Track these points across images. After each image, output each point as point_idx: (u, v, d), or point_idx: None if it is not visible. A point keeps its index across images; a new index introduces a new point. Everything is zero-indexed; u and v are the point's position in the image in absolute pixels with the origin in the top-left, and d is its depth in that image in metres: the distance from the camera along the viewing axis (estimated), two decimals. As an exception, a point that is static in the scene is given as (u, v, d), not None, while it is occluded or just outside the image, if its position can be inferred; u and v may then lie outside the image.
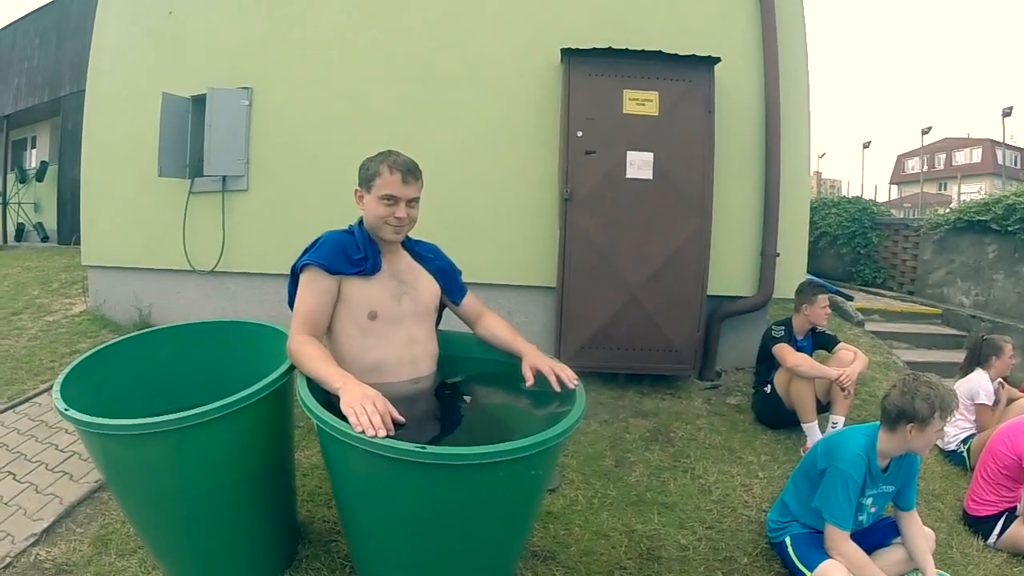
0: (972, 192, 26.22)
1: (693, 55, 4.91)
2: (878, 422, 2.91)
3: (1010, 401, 4.73)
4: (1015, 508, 3.55)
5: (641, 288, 4.96)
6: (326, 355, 2.28)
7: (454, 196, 5.23)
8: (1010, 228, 7.28)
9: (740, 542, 3.28)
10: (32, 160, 16.32)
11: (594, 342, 5.01)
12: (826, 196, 14.08)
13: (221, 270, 6.05)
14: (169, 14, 6.35)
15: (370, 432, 1.85)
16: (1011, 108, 22.55)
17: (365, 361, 2.44)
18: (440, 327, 2.80)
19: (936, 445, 4.57)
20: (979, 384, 4.53)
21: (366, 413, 1.90)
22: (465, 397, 2.62)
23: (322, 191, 5.38)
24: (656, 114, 4.94)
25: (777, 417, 4.56)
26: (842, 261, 10.28)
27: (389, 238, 2.49)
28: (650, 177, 4.93)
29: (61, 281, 8.65)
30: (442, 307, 2.79)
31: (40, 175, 14.75)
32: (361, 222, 2.56)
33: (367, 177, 2.45)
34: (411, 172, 2.43)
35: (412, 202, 2.46)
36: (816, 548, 2.87)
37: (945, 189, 40.04)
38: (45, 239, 14.23)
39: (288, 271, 2.53)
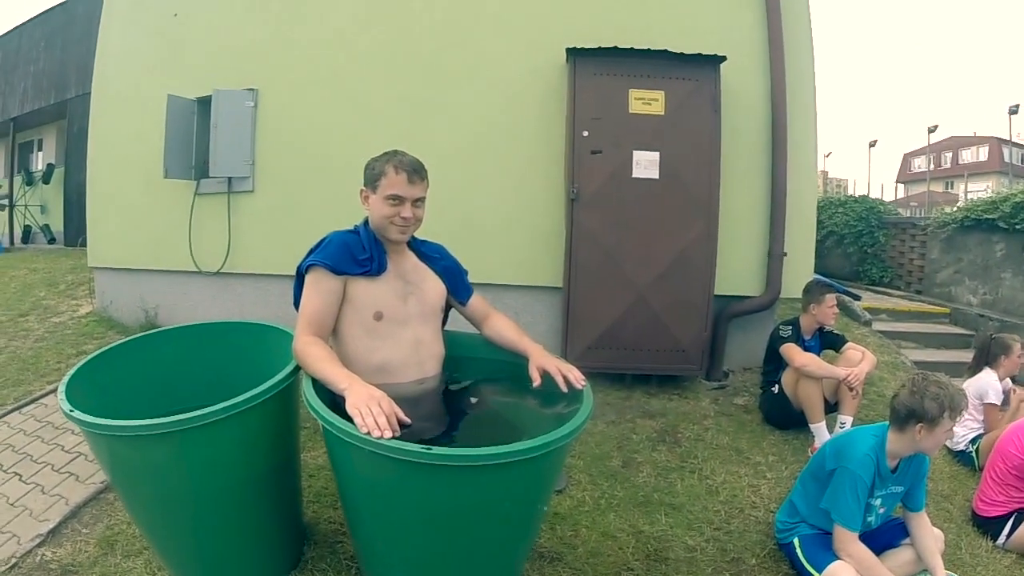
0: (979, 190, 26.13)
1: (699, 54, 4.90)
2: (887, 422, 2.88)
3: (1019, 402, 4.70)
4: (1024, 509, 3.53)
5: (648, 288, 4.94)
6: (332, 356, 2.27)
7: (460, 196, 5.22)
8: (1018, 226, 7.24)
9: (748, 543, 3.26)
10: (38, 163, 16.38)
11: (601, 342, 5.00)
12: (832, 195, 14.04)
13: (227, 271, 6.06)
14: (174, 16, 6.37)
15: (376, 433, 1.84)
16: (1017, 106, 22.48)
17: (371, 362, 2.43)
18: (446, 327, 2.79)
19: (944, 445, 4.54)
20: (988, 383, 4.50)
21: (371, 414, 1.89)
22: (471, 398, 2.61)
23: (327, 191, 5.38)
24: (662, 113, 4.93)
25: (785, 417, 4.54)
26: (849, 260, 10.24)
27: (395, 238, 2.48)
28: (656, 177, 4.92)
29: (68, 283, 8.67)
30: (448, 307, 2.78)
31: (46, 177, 14.82)
32: (367, 222, 2.55)
33: (372, 177, 2.44)
34: (417, 172, 2.42)
35: (418, 202, 2.45)
36: (825, 549, 2.84)
37: (952, 188, 39.96)
38: (52, 241, 14.29)
39: (294, 272, 2.53)
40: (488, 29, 5.50)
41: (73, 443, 4.07)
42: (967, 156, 42.84)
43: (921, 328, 7.55)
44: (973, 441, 4.48)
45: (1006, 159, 37.44)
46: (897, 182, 45.69)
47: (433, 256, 2.71)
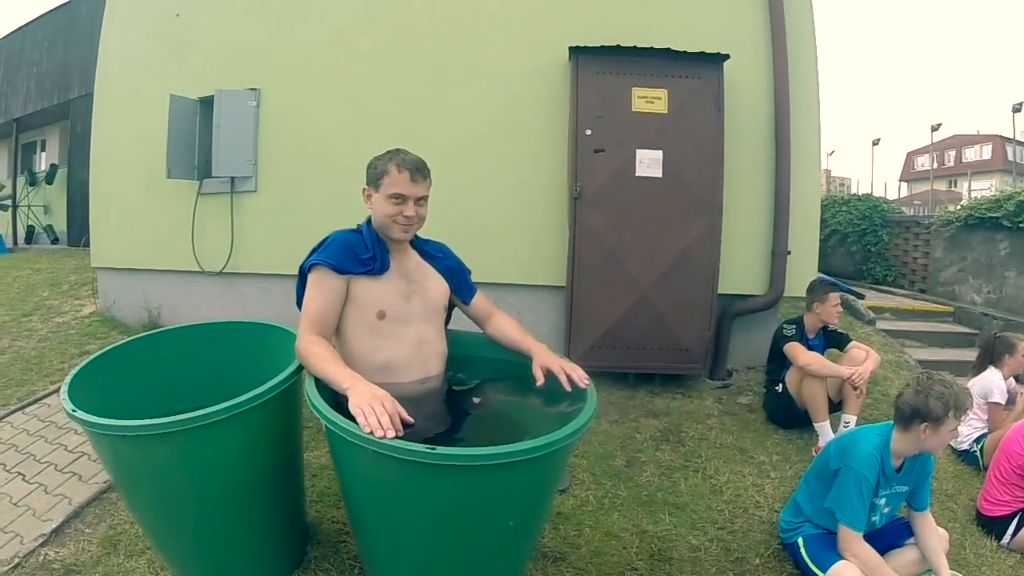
0: (983, 189, 26.08)
1: (702, 52, 4.89)
2: (891, 421, 2.87)
3: None
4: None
5: (651, 287, 4.93)
6: (334, 355, 2.26)
7: (462, 196, 5.21)
8: (1021, 225, 7.23)
9: (752, 543, 3.26)
10: (42, 163, 16.41)
11: (604, 341, 4.99)
12: (836, 194, 14.00)
13: (230, 271, 6.06)
14: (176, 16, 6.37)
15: (379, 433, 1.83)
16: (1021, 104, 22.38)
17: (374, 361, 2.42)
18: (449, 327, 2.79)
19: (949, 444, 4.53)
20: (992, 383, 4.49)
21: (375, 414, 1.89)
22: (474, 398, 2.60)
23: (330, 191, 5.37)
24: (665, 112, 4.92)
25: (789, 416, 4.53)
26: (853, 259, 10.22)
27: (398, 237, 2.48)
28: (660, 175, 4.91)
29: (71, 283, 8.68)
30: (451, 307, 2.77)
31: (50, 178, 14.83)
32: (369, 221, 2.54)
33: (375, 176, 2.44)
34: (419, 170, 2.41)
35: (421, 200, 2.45)
36: (829, 549, 2.84)
37: (955, 186, 39.89)
38: (55, 241, 14.30)
39: (297, 271, 2.52)
40: (489, 28, 5.49)
41: (76, 443, 4.08)
42: (971, 154, 42.75)
43: (925, 327, 7.53)
44: (977, 440, 4.46)
45: (1010, 157, 37.38)
46: (900, 180, 45.60)
47: (436, 255, 2.71)
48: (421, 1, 5.61)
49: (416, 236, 2.64)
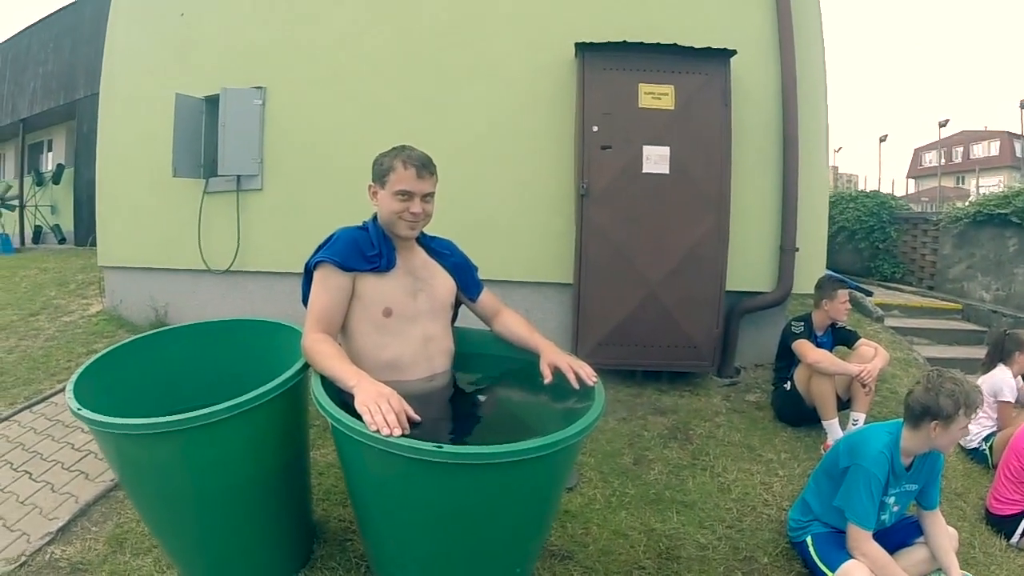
0: (991, 185, 25.98)
1: (709, 48, 4.87)
2: (901, 419, 2.85)
3: None
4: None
5: (659, 284, 4.91)
6: (340, 353, 2.25)
7: (468, 193, 5.19)
8: (1031, 221, 7.18)
9: (760, 541, 3.24)
10: (48, 163, 16.47)
11: (611, 339, 4.97)
12: (843, 191, 13.93)
13: (236, 269, 6.06)
14: (181, 16, 6.38)
15: (385, 431, 1.82)
16: (1030, 100, 22.30)
17: (380, 359, 2.41)
18: (456, 324, 2.78)
19: (958, 443, 4.50)
20: (1002, 380, 4.46)
21: (381, 412, 1.88)
22: (481, 395, 2.59)
23: (336, 189, 5.36)
24: (672, 108, 4.89)
25: (797, 414, 4.50)
26: (860, 256, 10.16)
27: (404, 234, 2.46)
28: (667, 172, 4.89)
29: (78, 282, 8.71)
30: (458, 304, 2.76)
31: (56, 178, 14.91)
32: (375, 218, 2.53)
33: (381, 172, 2.42)
34: (426, 167, 2.40)
35: (427, 197, 2.43)
36: (838, 548, 2.82)
37: (963, 183, 39.77)
38: (62, 241, 14.37)
39: (303, 269, 2.51)
40: (495, 26, 5.48)
41: (83, 441, 4.08)
42: (978, 151, 42.61)
43: (933, 324, 7.48)
44: (987, 439, 4.43)
45: (1018, 154, 37.29)
46: (908, 177, 45.56)
47: (443, 252, 2.70)
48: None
49: (422, 233, 2.63)
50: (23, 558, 2.89)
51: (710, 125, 4.93)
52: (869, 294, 7.87)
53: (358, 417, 1.90)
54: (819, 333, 4.54)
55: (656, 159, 4.88)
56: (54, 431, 4.29)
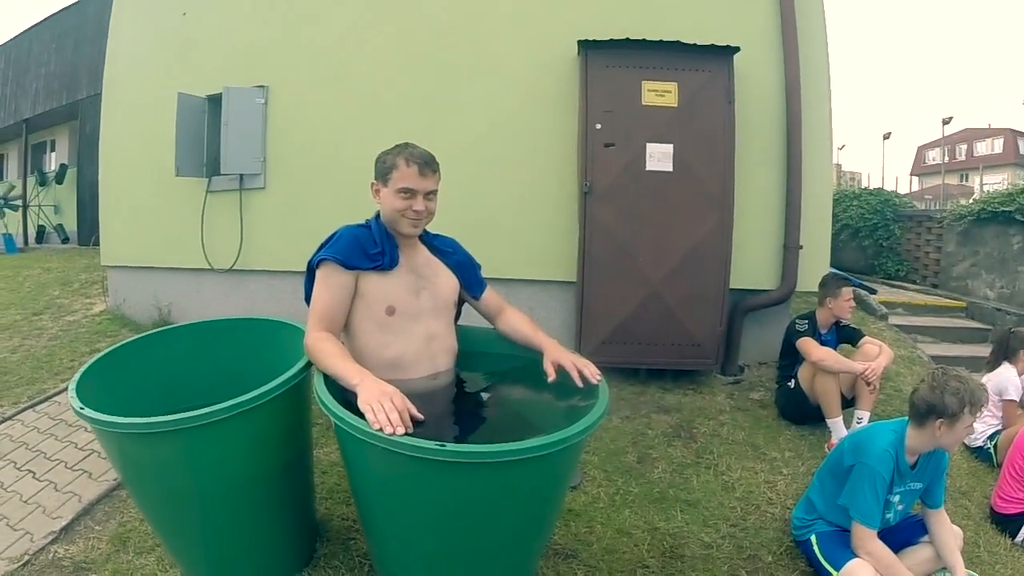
0: (995, 183, 25.91)
1: (712, 45, 4.85)
2: (906, 418, 2.84)
3: None
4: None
5: (662, 282, 4.90)
6: (343, 351, 2.25)
7: (471, 191, 5.19)
8: (1035, 219, 7.15)
9: (764, 540, 3.23)
10: (51, 163, 16.51)
11: (615, 337, 4.96)
12: (847, 188, 13.89)
13: (239, 268, 6.06)
14: (183, 15, 6.38)
15: (388, 430, 1.81)
16: (1033, 98, 22.21)
17: (383, 357, 2.40)
18: (459, 322, 2.77)
19: (962, 441, 4.49)
20: (1007, 379, 4.44)
21: (384, 410, 1.87)
22: (484, 394, 2.58)
23: (339, 187, 5.36)
24: (675, 105, 4.88)
25: (801, 412, 4.49)
26: (864, 254, 10.14)
27: (407, 232, 2.46)
28: (670, 169, 4.88)
29: (81, 281, 8.73)
30: (461, 302, 2.75)
31: (59, 178, 14.94)
32: (378, 216, 2.53)
33: (383, 170, 2.42)
34: (428, 164, 2.39)
35: (430, 195, 2.43)
36: (842, 547, 2.81)
37: (967, 180, 39.69)
38: (65, 240, 14.39)
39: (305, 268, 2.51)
40: (497, 24, 5.46)
41: (86, 440, 4.09)
42: (982, 148, 42.52)
43: (937, 322, 7.46)
44: (991, 437, 4.42)
45: (1021, 151, 37.20)
46: (911, 175, 45.47)
47: (446, 250, 2.69)
48: (430, -3, 5.60)
49: (425, 231, 2.62)
50: (26, 557, 2.89)
51: (713, 122, 4.92)
52: (873, 292, 7.84)
53: (361, 416, 1.90)
54: (823, 331, 4.53)
55: (659, 157, 4.87)
56: (57, 430, 4.30)
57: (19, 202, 15.13)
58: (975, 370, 4.46)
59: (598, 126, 4.89)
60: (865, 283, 8.12)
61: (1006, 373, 4.47)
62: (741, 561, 3.05)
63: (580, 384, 2.31)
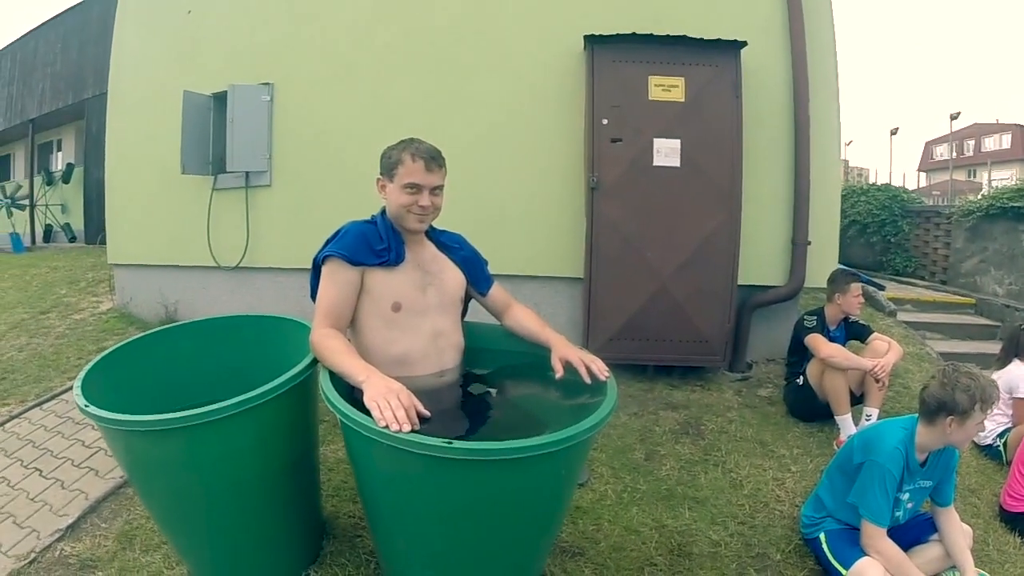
0: (1003, 178, 25.80)
1: (719, 39, 4.83)
2: (915, 415, 2.81)
3: None
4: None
5: (670, 278, 4.88)
6: (349, 348, 2.24)
7: (478, 187, 5.19)
8: (1044, 214, 7.11)
9: (773, 538, 3.21)
10: (58, 162, 16.60)
11: (622, 333, 4.95)
12: (854, 184, 13.84)
13: (246, 266, 6.07)
14: (188, 13, 6.39)
15: (394, 427, 1.80)
16: (1043, 93, 22.10)
17: (390, 354, 2.39)
18: (466, 319, 2.76)
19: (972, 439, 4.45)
20: (1018, 376, 4.40)
21: (390, 407, 1.86)
22: (492, 390, 2.57)
23: (345, 184, 5.35)
24: (683, 100, 4.86)
25: (810, 409, 4.46)
26: (872, 250, 10.09)
27: (413, 227, 2.44)
28: (677, 164, 4.86)
29: (88, 280, 8.75)
30: (468, 298, 2.74)
31: (66, 177, 15.00)
32: (384, 212, 2.51)
33: (389, 165, 2.40)
34: (434, 159, 2.37)
35: (436, 190, 2.41)
36: (851, 545, 2.78)
37: (975, 176, 39.49)
38: (72, 239, 14.44)
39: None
40: (503, 20, 5.45)
41: (93, 438, 4.09)
42: (990, 144, 42.28)
43: (946, 319, 7.42)
44: (1001, 435, 4.38)
45: (1030, 147, 36.96)
46: (919, 171, 45.29)
47: (452, 246, 2.67)
48: (436, -6, 5.59)
49: (431, 227, 2.61)
50: (33, 555, 2.89)
51: (721, 117, 4.90)
52: (881, 288, 7.82)
53: (367, 413, 1.89)
54: (832, 327, 4.51)
55: (667, 152, 4.85)
56: (64, 428, 4.30)
57: (26, 201, 15.19)
58: (984, 367, 4.43)
59: (605, 121, 4.87)
60: (873, 279, 8.10)
61: (1016, 370, 4.43)
62: (749, 559, 3.03)
63: (588, 381, 2.29)
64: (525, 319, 2.67)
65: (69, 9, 14.51)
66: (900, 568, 2.64)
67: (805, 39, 5.16)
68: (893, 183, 14.36)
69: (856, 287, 4.44)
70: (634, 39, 4.83)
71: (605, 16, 5.11)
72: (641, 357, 5.01)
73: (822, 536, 2.93)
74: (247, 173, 5.96)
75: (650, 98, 4.86)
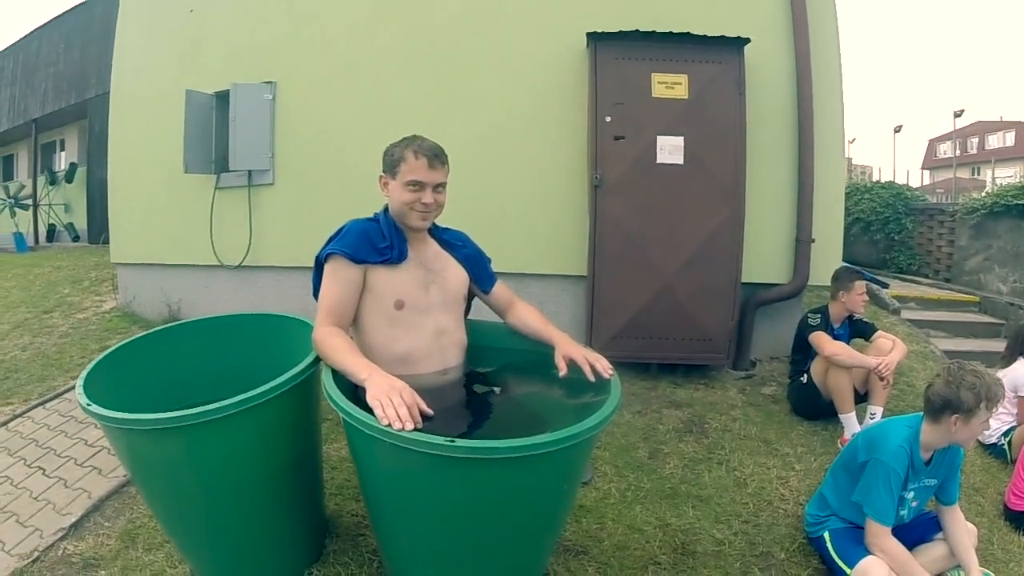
0: (1007, 176, 25.74)
1: (722, 36, 4.82)
2: (920, 413, 2.80)
3: None
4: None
5: (673, 276, 4.87)
6: (351, 346, 2.23)
7: (481, 185, 5.18)
8: (1049, 212, 7.09)
9: (777, 537, 3.19)
10: (61, 162, 16.62)
11: (626, 331, 4.94)
12: (858, 182, 13.82)
13: (249, 264, 6.07)
14: (190, 12, 6.39)
15: (397, 425, 1.79)
16: (1047, 90, 22.07)
17: (392, 352, 2.38)
18: (469, 317, 2.75)
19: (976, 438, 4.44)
20: (1023, 375, 4.38)
21: (392, 405, 1.85)
22: (495, 389, 2.56)
23: (348, 182, 5.34)
24: (686, 97, 4.84)
25: (814, 407, 4.45)
26: (876, 248, 10.07)
27: (416, 225, 2.43)
28: (681, 162, 4.84)
29: (91, 279, 8.76)
30: (471, 296, 2.73)
31: (69, 176, 15.03)
32: (386, 209, 2.51)
33: (392, 163, 2.39)
34: (437, 156, 2.36)
35: (439, 187, 2.40)
36: (856, 544, 2.77)
37: (978, 174, 39.47)
38: (76, 239, 14.46)
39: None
40: (505, 18, 5.44)
41: (96, 437, 4.09)
42: (993, 141, 42.23)
43: (950, 317, 7.40)
44: (1006, 434, 4.35)
45: (1034, 144, 36.88)
46: (922, 168, 45.24)
47: (455, 243, 2.66)
48: (436, -9, 5.57)
49: (434, 224, 2.60)
50: (36, 553, 2.89)
51: (724, 114, 4.88)
52: (885, 286, 7.77)
53: (370, 411, 1.88)
54: (836, 325, 4.49)
55: (670, 149, 4.83)
56: (67, 427, 4.31)
57: (30, 201, 15.21)
58: (989, 365, 4.42)
59: (608, 119, 4.86)
60: (877, 277, 8.07)
61: (1021, 368, 4.40)
62: (753, 558, 3.02)
63: (592, 379, 2.28)
64: (528, 317, 2.66)
65: (71, 9, 14.53)
66: (905, 567, 2.63)
67: (808, 35, 5.14)
68: (897, 181, 14.34)
69: (860, 285, 4.42)
70: (637, 36, 4.82)
71: (607, 14, 5.10)
72: (644, 355, 5.00)
73: (826, 535, 2.92)
74: (250, 172, 5.96)
75: (653, 95, 4.85)
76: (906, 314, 7.15)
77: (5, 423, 4.42)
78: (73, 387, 4.83)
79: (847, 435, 4.09)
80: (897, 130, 29.39)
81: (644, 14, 5.05)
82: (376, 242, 2.38)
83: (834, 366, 4.17)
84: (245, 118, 5.81)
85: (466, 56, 5.47)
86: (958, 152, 37.05)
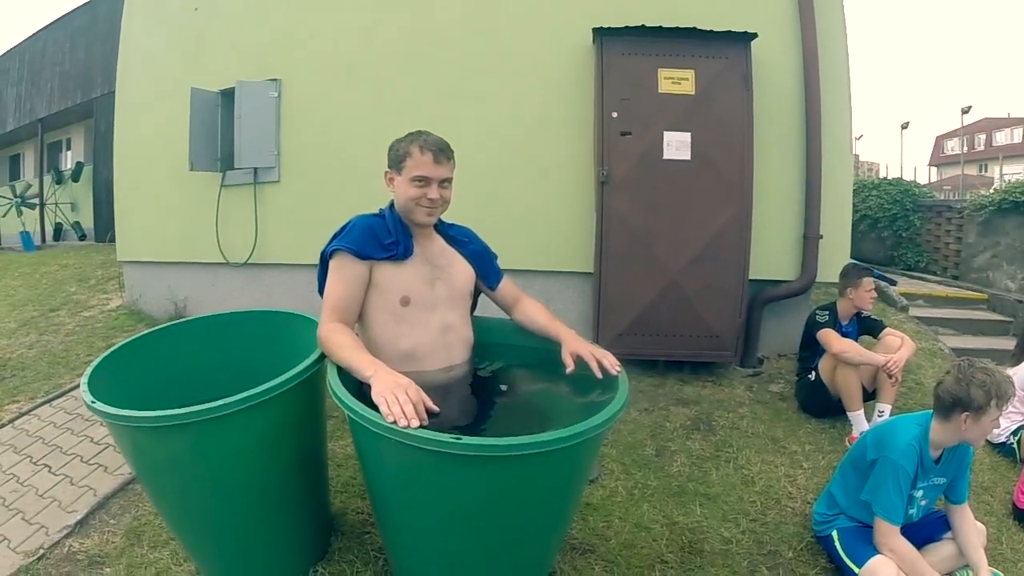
0: (1015, 173, 25.63)
1: (729, 31, 4.79)
2: (930, 411, 2.78)
3: None
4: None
5: (681, 273, 4.85)
6: (357, 343, 2.22)
7: (486, 182, 5.17)
8: (1058, 209, 7.04)
9: (785, 535, 3.17)
10: (68, 161, 16.68)
11: (633, 328, 4.92)
12: (865, 179, 13.77)
13: (255, 262, 6.07)
14: (195, 10, 6.38)
15: (402, 422, 1.78)
16: (1055, 87, 21.97)
17: (398, 348, 2.37)
18: (475, 313, 2.74)
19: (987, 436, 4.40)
20: (1033, 374, 4.35)
21: (398, 402, 1.84)
22: (502, 385, 2.55)
23: (354, 178, 5.34)
24: (692, 93, 4.82)
25: (822, 405, 4.43)
26: (884, 245, 10.02)
27: (421, 221, 2.42)
28: (688, 158, 4.82)
29: (98, 277, 8.78)
30: (477, 293, 2.72)
31: (76, 176, 15.07)
32: (392, 205, 2.49)
33: (397, 158, 2.38)
34: (443, 152, 2.35)
35: (445, 183, 2.39)
36: (864, 543, 2.75)
37: (986, 170, 39.29)
38: (82, 237, 14.50)
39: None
40: (510, 14, 5.42)
41: (102, 435, 4.10)
42: (1001, 138, 42.06)
43: (958, 314, 7.37)
44: (1015, 432, 4.32)
45: (1042, 141, 36.73)
46: (930, 165, 45.11)
47: (461, 240, 2.65)
48: (442, -12, 5.56)
49: (440, 220, 2.59)
50: (41, 551, 2.89)
51: (731, 110, 4.85)
52: (893, 283, 7.75)
53: (375, 408, 1.87)
54: (844, 322, 4.46)
55: (677, 145, 4.81)
56: (73, 425, 4.31)
57: (36, 200, 15.25)
58: (997, 363, 4.39)
59: (614, 115, 4.83)
60: (885, 274, 8.03)
61: (1032, 368, 4.38)
62: (761, 557, 3.00)
63: (599, 375, 2.26)
64: (535, 313, 2.64)
65: (77, 8, 14.56)
66: (913, 566, 2.60)
67: (816, 31, 5.11)
68: (904, 178, 14.28)
69: (868, 282, 4.40)
70: (643, 32, 4.79)
71: (613, 8, 5.07)
72: (652, 352, 4.98)
73: (835, 534, 2.90)
74: (255, 169, 5.96)
75: (660, 91, 4.82)
76: (914, 311, 7.12)
77: (11, 420, 4.43)
78: (79, 385, 4.85)
79: (855, 433, 4.06)
80: (904, 127, 29.35)
81: (650, 9, 5.01)
82: (382, 238, 2.37)
83: (842, 363, 4.14)
84: (250, 116, 5.81)
85: (471, 53, 5.45)
86: (965, 149, 36.97)
